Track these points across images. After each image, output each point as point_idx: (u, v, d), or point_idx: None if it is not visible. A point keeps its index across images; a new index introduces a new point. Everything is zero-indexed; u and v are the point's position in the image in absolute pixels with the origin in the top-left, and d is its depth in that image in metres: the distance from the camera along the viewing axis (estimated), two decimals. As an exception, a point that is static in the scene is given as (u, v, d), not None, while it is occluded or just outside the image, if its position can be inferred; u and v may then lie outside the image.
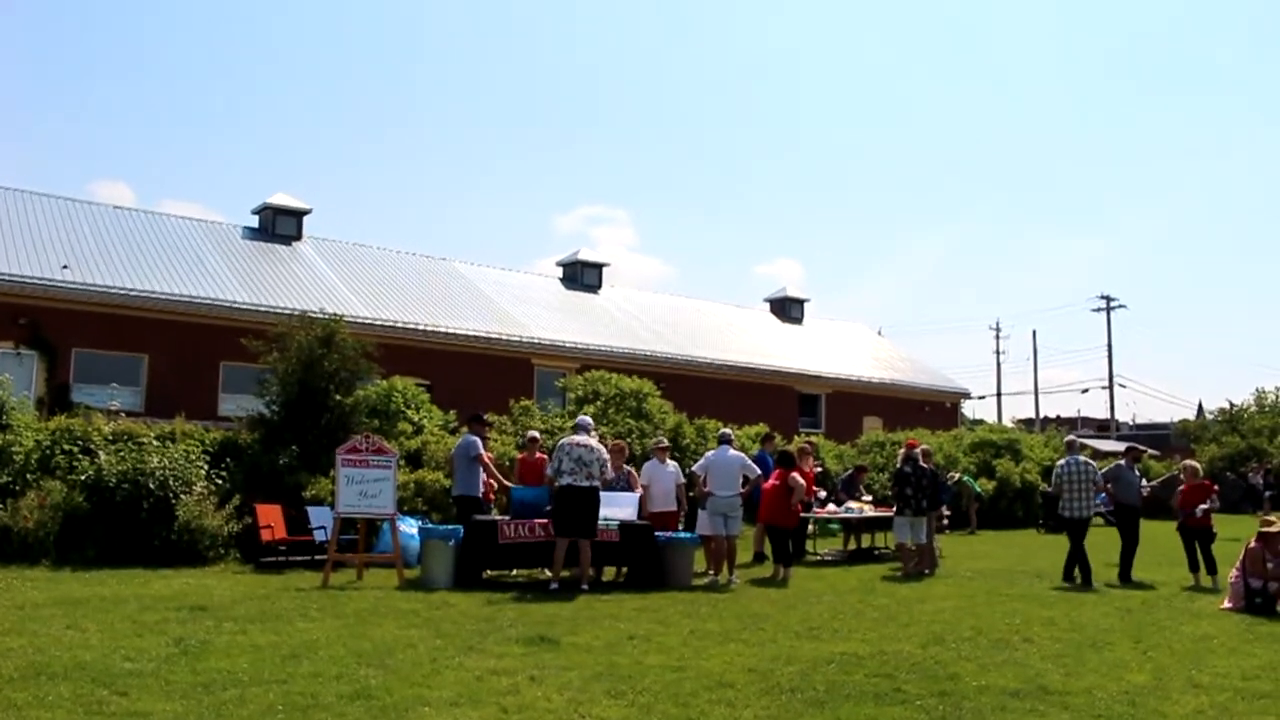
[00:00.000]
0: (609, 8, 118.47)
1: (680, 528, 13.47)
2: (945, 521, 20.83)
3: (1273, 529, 11.21)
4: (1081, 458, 14.07)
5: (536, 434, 14.96)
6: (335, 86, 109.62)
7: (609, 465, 12.40)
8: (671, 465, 13.89)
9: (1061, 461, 14.18)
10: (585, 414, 15.89)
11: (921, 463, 14.89)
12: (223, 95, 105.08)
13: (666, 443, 14.85)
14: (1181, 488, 13.84)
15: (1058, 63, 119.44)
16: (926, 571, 14.25)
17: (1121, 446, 15.45)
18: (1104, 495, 15.43)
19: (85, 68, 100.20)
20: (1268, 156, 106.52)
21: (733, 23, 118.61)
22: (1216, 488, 14.48)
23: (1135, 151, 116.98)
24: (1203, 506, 13.32)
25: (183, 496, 13.28)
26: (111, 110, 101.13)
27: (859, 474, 20.25)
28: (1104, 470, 14.64)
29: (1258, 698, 6.81)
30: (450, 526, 12.34)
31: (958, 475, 24.74)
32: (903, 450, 15.45)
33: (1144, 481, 14.26)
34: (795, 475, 13.64)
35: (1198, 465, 14.59)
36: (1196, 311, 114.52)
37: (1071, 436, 15.45)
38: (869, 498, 19.02)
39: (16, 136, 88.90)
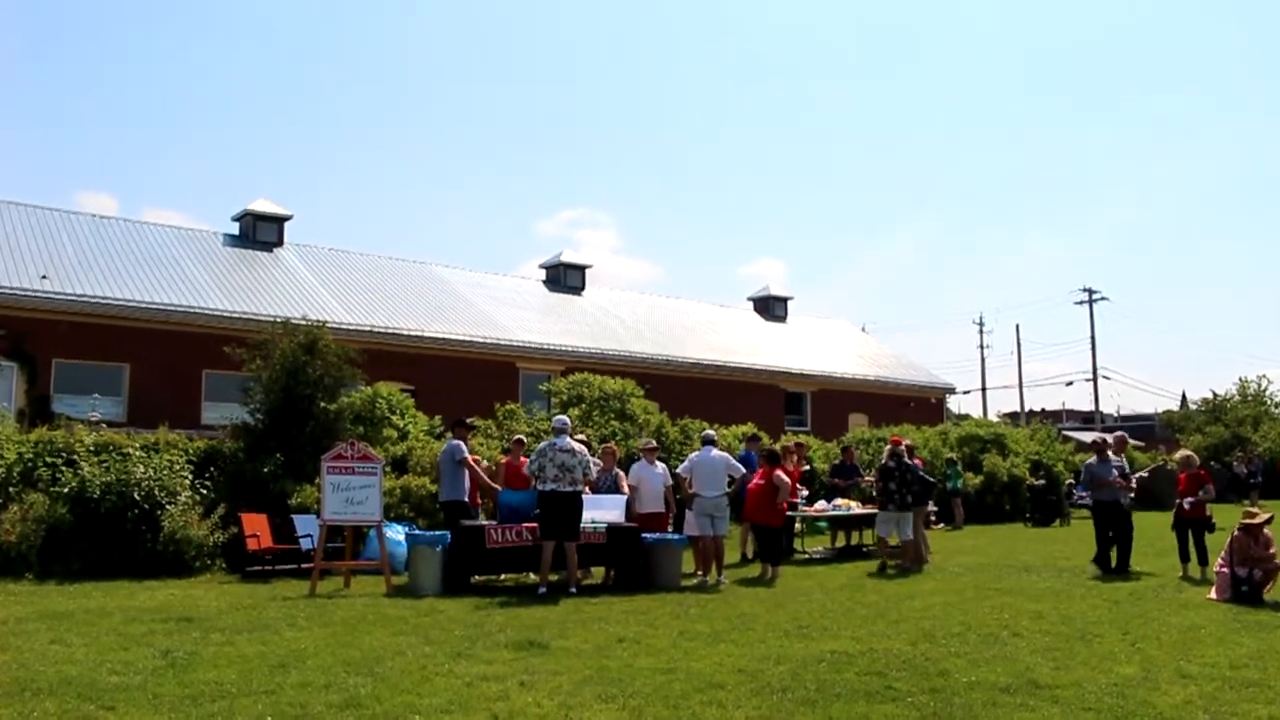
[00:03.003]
0: (588, 10, 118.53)
1: (670, 529, 13.46)
2: (934, 518, 20.84)
3: (1255, 520, 11.26)
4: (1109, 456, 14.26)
5: (522, 437, 14.93)
6: (316, 93, 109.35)
7: (593, 468, 12.40)
8: (660, 467, 13.87)
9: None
10: (569, 416, 15.86)
11: (906, 459, 14.90)
12: (204, 103, 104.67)
13: (655, 444, 14.82)
14: (1180, 475, 13.75)
15: (1033, 55, 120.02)
16: (911, 567, 14.29)
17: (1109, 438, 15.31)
18: (1084, 487, 15.44)
19: (67, 80, 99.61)
20: (1246, 147, 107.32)
21: (712, 25, 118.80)
22: (1206, 474, 14.33)
23: (1113, 144, 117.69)
24: (1190, 499, 13.31)
25: (167, 507, 13.18)
26: (93, 122, 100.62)
27: (849, 454, 19.62)
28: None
29: (1245, 686, 6.84)
30: (437, 532, 12.30)
31: (954, 458, 24.80)
32: (888, 447, 15.46)
33: (1114, 473, 14.09)
34: (780, 473, 13.63)
35: (1192, 455, 14.44)
36: (1178, 303, 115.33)
37: (1107, 438, 15.23)
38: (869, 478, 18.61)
39: (1, 149, 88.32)
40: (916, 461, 15.92)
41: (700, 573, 13.02)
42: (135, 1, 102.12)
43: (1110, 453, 14.22)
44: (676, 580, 12.40)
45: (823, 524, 18.03)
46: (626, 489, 13.60)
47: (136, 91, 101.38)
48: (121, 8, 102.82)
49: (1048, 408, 72.46)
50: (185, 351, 23.84)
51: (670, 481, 13.72)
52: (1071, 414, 70.13)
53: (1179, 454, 14.56)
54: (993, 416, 51.87)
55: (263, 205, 30.98)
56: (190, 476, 14.03)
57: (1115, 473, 13.96)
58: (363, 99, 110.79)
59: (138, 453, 14.01)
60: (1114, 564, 13.53)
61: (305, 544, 13.27)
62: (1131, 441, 39.11)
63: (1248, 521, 11.27)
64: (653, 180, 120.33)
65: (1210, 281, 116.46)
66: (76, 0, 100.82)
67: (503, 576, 12.81)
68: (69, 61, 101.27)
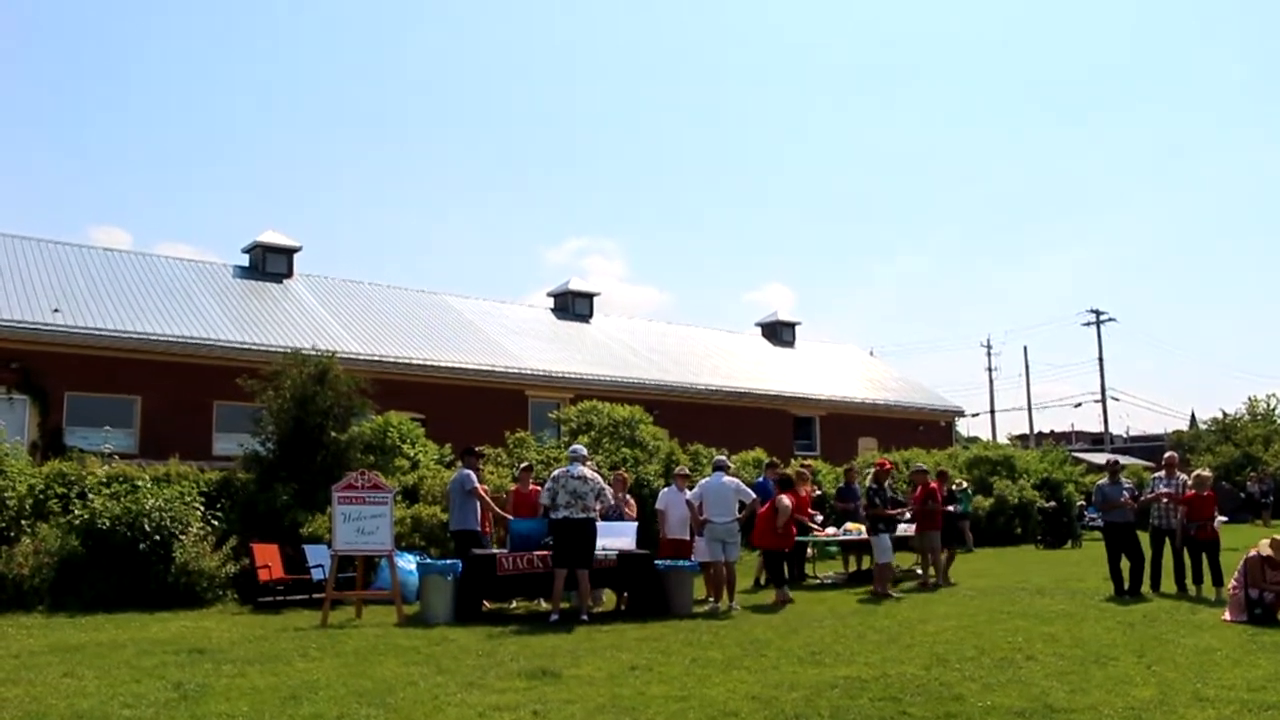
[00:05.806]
0: (593, 41, 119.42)
1: (693, 557, 13.42)
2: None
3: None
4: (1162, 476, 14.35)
5: (530, 464, 14.93)
6: (324, 126, 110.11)
7: (606, 494, 12.38)
8: (689, 493, 13.81)
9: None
10: (579, 444, 15.86)
11: (870, 482, 14.84)
12: (214, 136, 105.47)
13: (687, 471, 14.77)
14: (1186, 494, 13.59)
15: (1036, 75, 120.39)
16: (878, 589, 14.12)
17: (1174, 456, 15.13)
18: (1095, 509, 15.37)
19: (79, 116, 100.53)
20: (1253, 165, 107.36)
21: (717, 52, 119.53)
22: (1213, 495, 14.15)
23: (1118, 163, 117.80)
24: (1222, 519, 13.21)
25: (179, 538, 13.20)
26: (106, 157, 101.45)
27: (852, 475, 19.10)
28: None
29: (1264, 709, 6.78)
30: (448, 561, 12.30)
31: (964, 484, 24.66)
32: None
33: (1124, 495, 14.00)
34: (781, 497, 13.58)
35: (1208, 475, 14.22)
36: (1185, 322, 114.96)
37: (1172, 453, 15.14)
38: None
39: (15, 184, 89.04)
40: (934, 486, 15.82)
41: (712, 599, 12.98)
42: (146, 38, 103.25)
43: (1176, 472, 14.17)
44: (688, 607, 12.37)
45: (834, 549, 17.96)
46: (633, 515, 13.58)
47: (148, 126, 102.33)
48: (133, 44, 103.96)
49: (1056, 429, 72.15)
50: (196, 383, 23.91)
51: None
52: (1081, 435, 69.82)
53: (1194, 475, 14.37)
54: (1002, 439, 51.80)
55: (272, 237, 31.16)
56: (201, 508, 14.08)
57: (1126, 494, 13.95)
58: (370, 130, 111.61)
59: (148, 484, 14.05)
60: (1132, 585, 13.45)
61: (317, 574, 13.26)
62: (1141, 462, 39.09)
63: (1270, 553, 11.06)
64: (660, 208, 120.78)
65: (1218, 301, 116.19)
66: (89, 37, 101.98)
67: (514, 604, 12.79)
68: (81, 98, 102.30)
